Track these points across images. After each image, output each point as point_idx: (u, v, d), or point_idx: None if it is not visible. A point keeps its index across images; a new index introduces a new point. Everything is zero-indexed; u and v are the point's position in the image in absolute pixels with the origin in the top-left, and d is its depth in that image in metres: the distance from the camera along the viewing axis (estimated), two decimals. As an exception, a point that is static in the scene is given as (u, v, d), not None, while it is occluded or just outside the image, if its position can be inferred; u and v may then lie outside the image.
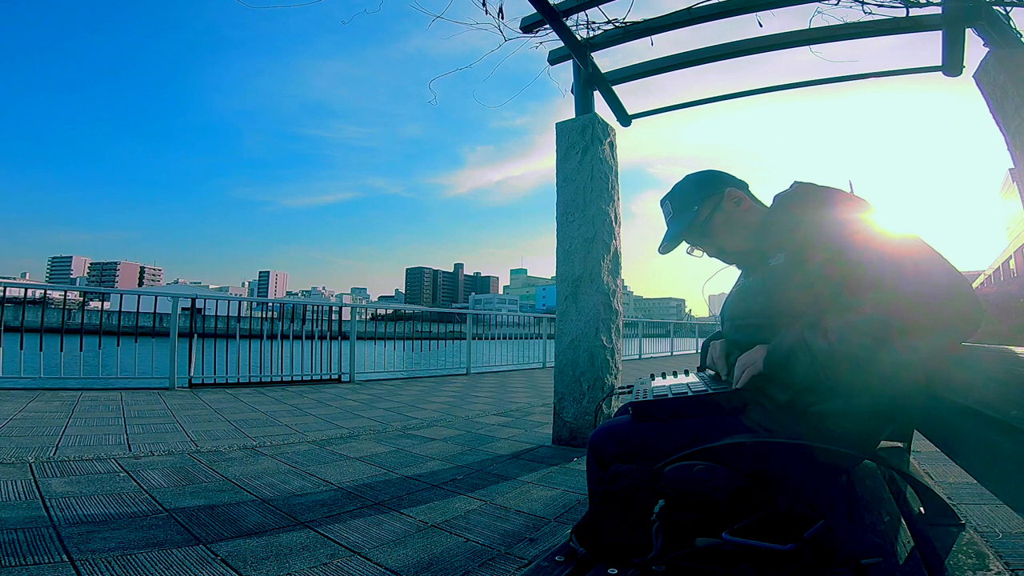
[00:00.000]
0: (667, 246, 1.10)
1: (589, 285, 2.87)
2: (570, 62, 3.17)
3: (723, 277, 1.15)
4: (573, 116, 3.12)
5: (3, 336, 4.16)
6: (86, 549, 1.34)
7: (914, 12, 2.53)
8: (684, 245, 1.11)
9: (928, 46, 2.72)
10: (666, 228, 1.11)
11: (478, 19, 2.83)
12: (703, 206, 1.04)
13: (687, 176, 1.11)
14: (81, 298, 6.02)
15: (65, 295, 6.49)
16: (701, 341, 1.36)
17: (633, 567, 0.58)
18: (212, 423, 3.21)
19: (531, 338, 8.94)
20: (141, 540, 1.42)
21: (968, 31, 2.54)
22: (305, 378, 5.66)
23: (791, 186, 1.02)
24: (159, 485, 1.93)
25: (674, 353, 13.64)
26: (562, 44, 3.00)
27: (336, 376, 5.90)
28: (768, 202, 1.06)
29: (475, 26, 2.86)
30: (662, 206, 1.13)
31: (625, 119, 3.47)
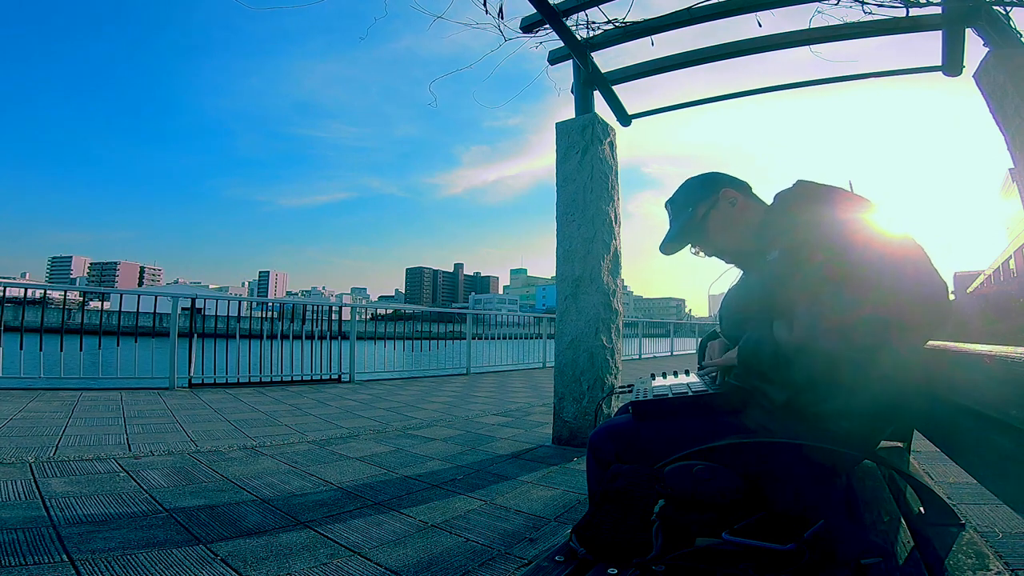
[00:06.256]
0: (667, 248, 1.13)
1: (589, 285, 2.87)
2: (570, 62, 3.16)
3: (729, 278, 1.16)
4: (572, 116, 3.12)
5: (3, 336, 4.16)
6: (86, 549, 1.34)
7: (914, 12, 2.53)
8: (689, 246, 1.13)
9: (928, 46, 2.72)
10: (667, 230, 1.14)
11: (478, 19, 2.84)
12: (698, 208, 1.07)
13: (687, 179, 1.14)
14: (81, 298, 6.02)
15: (65, 295, 6.49)
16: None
17: (633, 567, 0.58)
18: (212, 423, 3.21)
19: (531, 338, 8.94)
20: (141, 540, 1.42)
21: (968, 31, 2.54)
22: (305, 378, 5.66)
23: (793, 184, 1.02)
24: (159, 485, 1.93)
25: (674, 353, 13.64)
26: (562, 44, 3.00)
27: (336, 376, 5.90)
28: (770, 201, 1.06)
29: (475, 26, 2.86)
30: (665, 208, 1.16)
31: (625, 119, 3.47)
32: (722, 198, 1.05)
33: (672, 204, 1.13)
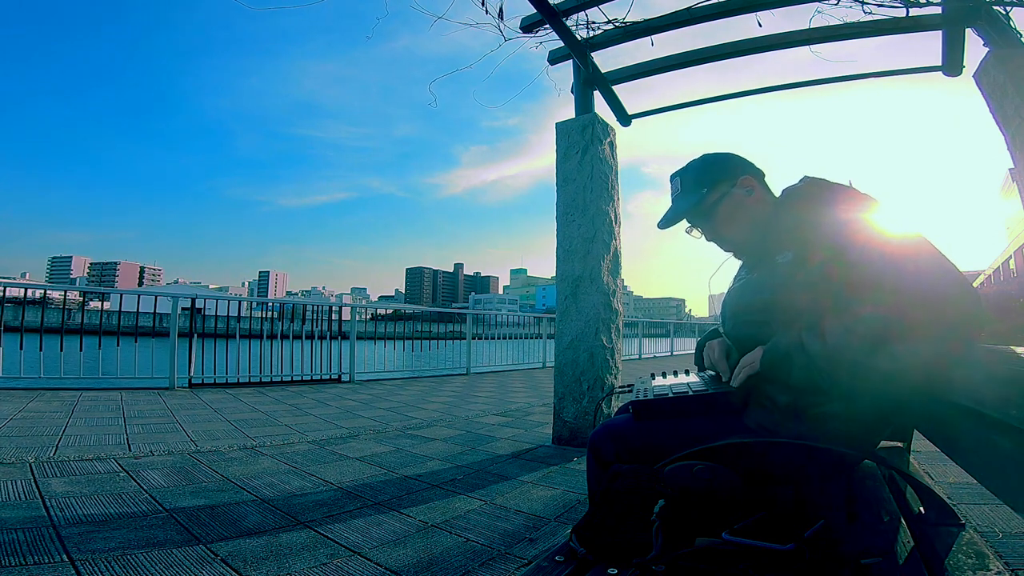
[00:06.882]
0: (669, 222, 1.06)
1: (589, 285, 2.87)
2: (570, 62, 3.16)
3: (728, 270, 1.10)
4: (572, 116, 3.12)
5: (3, 336, 4.16)
6: (86, 549, 1.34)
7: (914, 12, 2.53)
8: (683, 223, 1.07)
9: (928, 46, 2.72)
10: (671, 203, 1.06)
11: (477, 19, 2.84)
12: (713, 190, 1.00)
13: (704, 155, 1.06)
14: (81, 298, 6.02)
15: (65, 295, 6.49)
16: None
17: (633, 567, 0.58)
18: (212, 423, 3.21)
19: (531, 338, 8.94)
20: (141, 540, 1.42)
21: (968, 31, 2.54)
22: (305, 378, 5.66)
23: (800, 181, 0.99)
24: (159, 485, 1.93)
25: (674, 353, 13.65)
26: (562, 44, 3.00)
27: (336, 376, 5.90)
28: (779, 195, 1.02)
29: (475, 26, 2.86)
30: (671, 181, 1.08)
31: (625, 119, 3.47)
32: (739, 185, 0.99)
33: (683, 178, 1.04)
